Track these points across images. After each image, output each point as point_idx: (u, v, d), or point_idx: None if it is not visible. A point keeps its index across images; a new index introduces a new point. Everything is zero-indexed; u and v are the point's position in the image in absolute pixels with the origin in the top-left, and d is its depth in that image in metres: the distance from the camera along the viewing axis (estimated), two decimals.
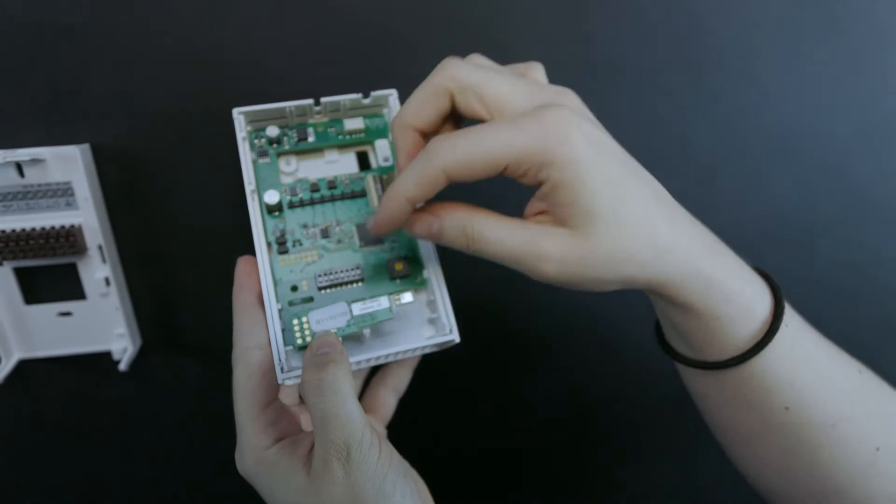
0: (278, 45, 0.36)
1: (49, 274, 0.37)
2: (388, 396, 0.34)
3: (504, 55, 0.37)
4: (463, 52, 0.35)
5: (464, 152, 0.24)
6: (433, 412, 0.43)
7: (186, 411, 0.41)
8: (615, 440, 0.47)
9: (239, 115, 0.31)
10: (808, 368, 0.28)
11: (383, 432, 0.34)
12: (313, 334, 0.29)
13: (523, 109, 0.25)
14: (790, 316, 0.28)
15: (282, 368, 0.28)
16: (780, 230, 0.43)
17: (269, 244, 0.31)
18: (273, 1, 0.35)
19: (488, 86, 0.26)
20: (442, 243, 0.27)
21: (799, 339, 0.28)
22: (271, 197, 0.31)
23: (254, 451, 0.27)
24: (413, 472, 0.29)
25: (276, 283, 0.30)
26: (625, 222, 0.24)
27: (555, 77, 0.38)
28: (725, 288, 0.26)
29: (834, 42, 0.40)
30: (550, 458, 0.47)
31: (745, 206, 0.42)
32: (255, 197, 0.31)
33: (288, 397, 0.33)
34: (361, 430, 0.25)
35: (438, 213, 0.26)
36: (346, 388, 0.25)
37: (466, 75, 0.26)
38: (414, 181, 0.25)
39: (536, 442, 0.46)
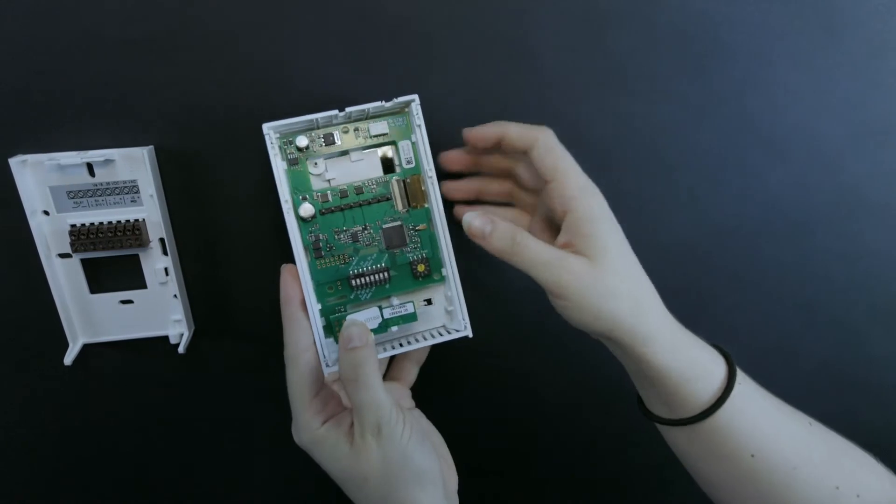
0: (324, 65, 0.39)
1: (113, 265, 0.41)
2: (412, 367, 0.40)
3: (521, 60, 0.41)
4: (479, 55, 0.39)
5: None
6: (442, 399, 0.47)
7: (236, 390, 0.45)
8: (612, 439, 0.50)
9: (269, 130, 0.33)
10: (765, 419, 0.34)
11: (408, 394, 0.39)
12: None
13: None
14: (742, 377, 0.34)
15: (326, 364, 0.34)
16: (777, 224, 0.46)
17: (305, 248, 0.35)
18: (321, 23, 0.39)
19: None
20: (487, 245, 0.33)
21: (753, 396, 0.34)
22: (306, 210, 0.35)
23: (307, 430, 0.33)
24: (433, 433, 0.36)
25: (315, 285, 0.34)
26: (626, 270, 0.32)
27: (570, 81, 0.41)
28: (688, 354, 0.33)
29: (829, 50, 0.43)
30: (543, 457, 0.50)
31: (745, 201, 0.45)
32: (291, 210, 0.34)
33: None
34: (388, 412, 0.32)
35: (494, 218, 0.33)
36: (375, 381, 0.32)
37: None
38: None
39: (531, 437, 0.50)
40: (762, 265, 0.47)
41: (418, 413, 0.39)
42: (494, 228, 0.33)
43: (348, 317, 0.34)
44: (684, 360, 0.33)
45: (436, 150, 0.37)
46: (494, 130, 0.35)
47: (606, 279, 0.31)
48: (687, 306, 0.48)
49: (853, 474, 0.34)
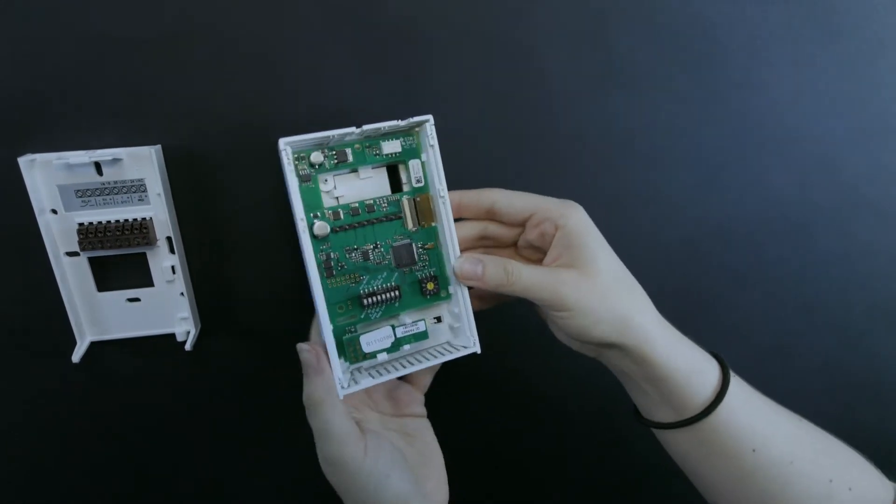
0: (328, 66, 0.40)
1: (120, 263, 0.41)
2: (426, 373, 0.40)
3: (527, 63, 0.41)
4: (487, 63, 0.39)
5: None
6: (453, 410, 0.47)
7: (242, 387, 0.45)
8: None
9: (286, 145, 0.32)
10: (761, 415, 0.35)
11: (421, 400, 0.40)
12: (364, 355, 0.34)
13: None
14: (734, 374, 0.35)
15: (341, 386, 0.33)
16: (778, 223, 0.46)
17: (318, 266, 0.33)
18: (326, 26, 0.39)
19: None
20: (483, 284, 0.34)
21: (747, 393, 0.35)
22: (321, 229, 0.33)
23: None
24: (431, 448, 0.37)
25: (326, 304, 0.33)
26: (617, 275, 0.34)
27: (574, 82, 0.42)
28: (685, 351, 0.34)
29: (830, 50, 0.43)
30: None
31: (746, 201, 0.46)
32: (307, 230, 0.33)
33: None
34: (352, 444, 0.32)
35: (482, 257, 0.34)
36: (332, 417, 0.32)
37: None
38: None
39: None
40: (762, 265, 0.47)
41: (425, 425, 0.39)
42: (485, 266, 0.34)
43: (365, 351, 0.34)
44: (682, 357, 0.34)
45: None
46: (454, 200, 0.36)
47: (602, 284, 0.33)
48: (687, 306, 0.48)
49: (844, 468, 0.35)
